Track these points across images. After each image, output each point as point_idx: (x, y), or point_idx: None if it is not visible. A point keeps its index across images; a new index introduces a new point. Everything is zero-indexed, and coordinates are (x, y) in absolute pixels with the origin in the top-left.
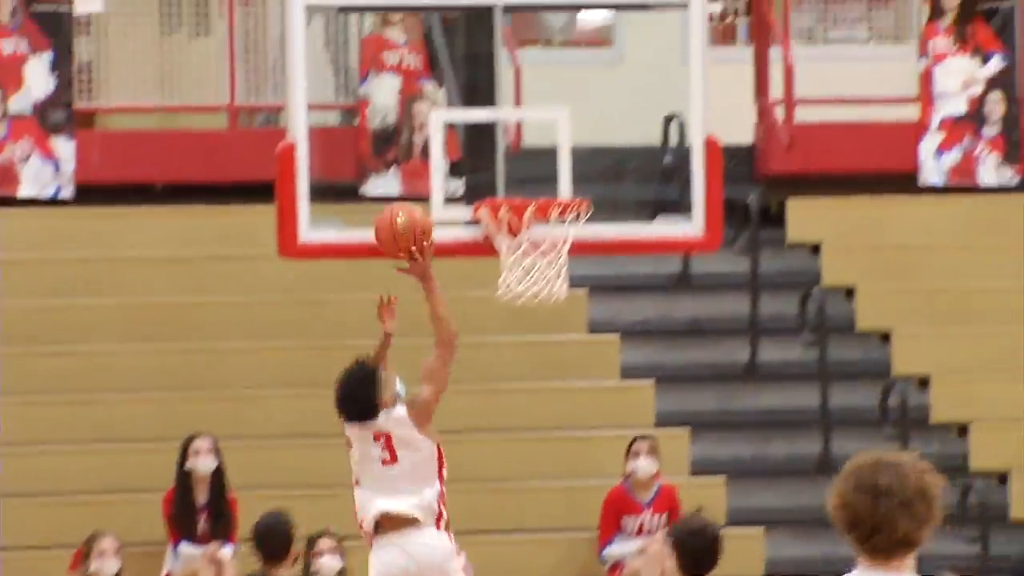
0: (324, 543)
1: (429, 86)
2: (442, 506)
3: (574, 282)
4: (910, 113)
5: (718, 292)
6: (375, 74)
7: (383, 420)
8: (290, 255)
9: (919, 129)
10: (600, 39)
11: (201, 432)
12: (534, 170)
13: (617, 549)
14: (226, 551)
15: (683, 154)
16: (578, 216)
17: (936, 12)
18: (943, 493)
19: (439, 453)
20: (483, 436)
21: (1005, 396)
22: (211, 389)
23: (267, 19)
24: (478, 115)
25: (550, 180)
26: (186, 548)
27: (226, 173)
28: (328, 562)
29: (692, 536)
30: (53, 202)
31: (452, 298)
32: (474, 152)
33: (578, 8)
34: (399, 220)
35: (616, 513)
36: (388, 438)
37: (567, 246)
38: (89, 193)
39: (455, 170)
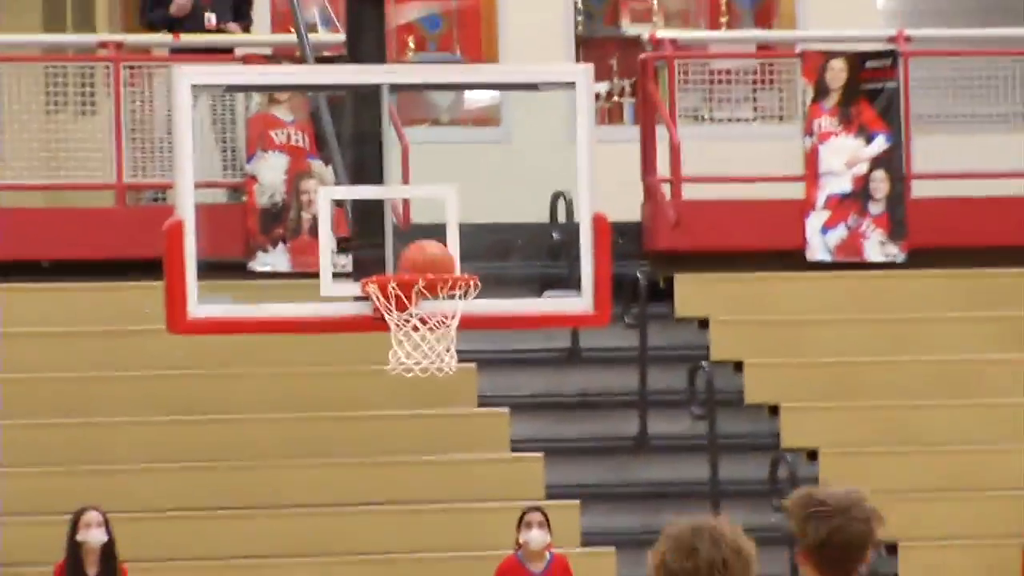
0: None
1: (316, 164)
2: None
3: (464, 356)
4: (796, 191)
5: (607, 366)
6: (262, 152)
7: None
8: (179, 330)
9: (805, 206)
10: (487, 118)
11: (91, 506)
12: None
13: None
14: None
15: (571, 231)
16: (467, 292)
17: (820, 92)
18: (756, 555)
19: None
20: (373, 509)
21: (892, 470)
22: (100, 463)
23: (153, 98)
24: (366, 192)
25: None
26: None
27: (114, 250)
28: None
29: None
30: None
31: (342, 373)
32: (362, 229)
33: (465, 88)
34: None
35: None
36: None
37: (456, 321)
38: None
39: (343, 247)
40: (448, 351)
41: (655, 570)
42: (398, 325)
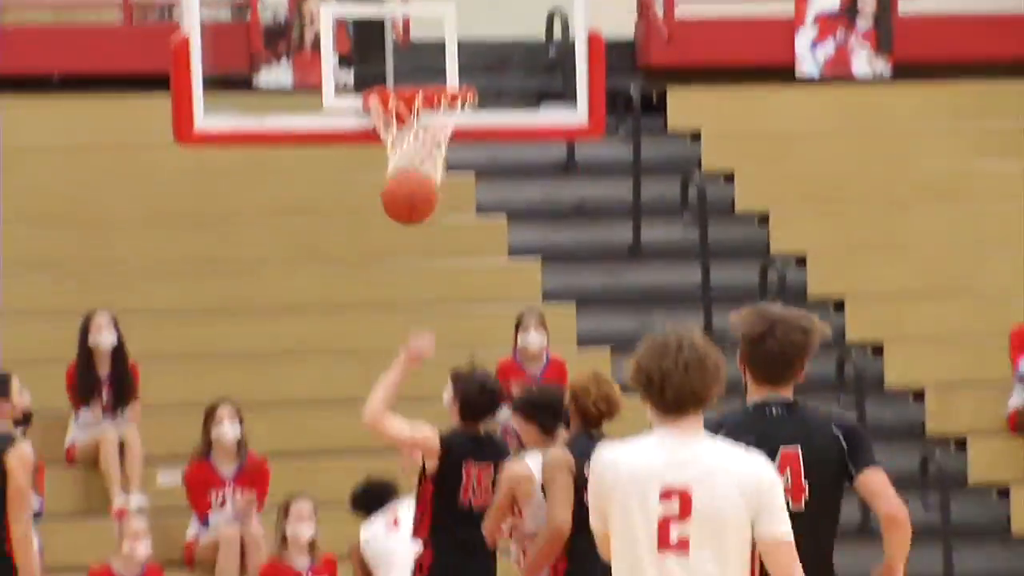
0: (223, 411)
1: None
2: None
3: (462, 166)
4: (786, 8)
5: (602, 176)
6: None
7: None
8: (186, 141)
9: (794, 23)
10: None
11: (100, 309)
12: (422, 62)
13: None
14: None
15: (567, 47)
16: (464, 105)
17: None
18: (723, 363)
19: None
20: (374, 311)
21: (878, 273)
22: (108, 269)
23: None
24: (367, 10)
25: (438, 72)
26: (87, 416)
27: (121, 65)
28: (229, 429)
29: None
30: None
31: (345, 182)
32: (363, 45)
33: None
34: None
35: (507, 382)
36: None
37: (449, 132)
38: None
39: (345, 62)
40: (441, 161)
41: (633, 371)
42: (397, 137)
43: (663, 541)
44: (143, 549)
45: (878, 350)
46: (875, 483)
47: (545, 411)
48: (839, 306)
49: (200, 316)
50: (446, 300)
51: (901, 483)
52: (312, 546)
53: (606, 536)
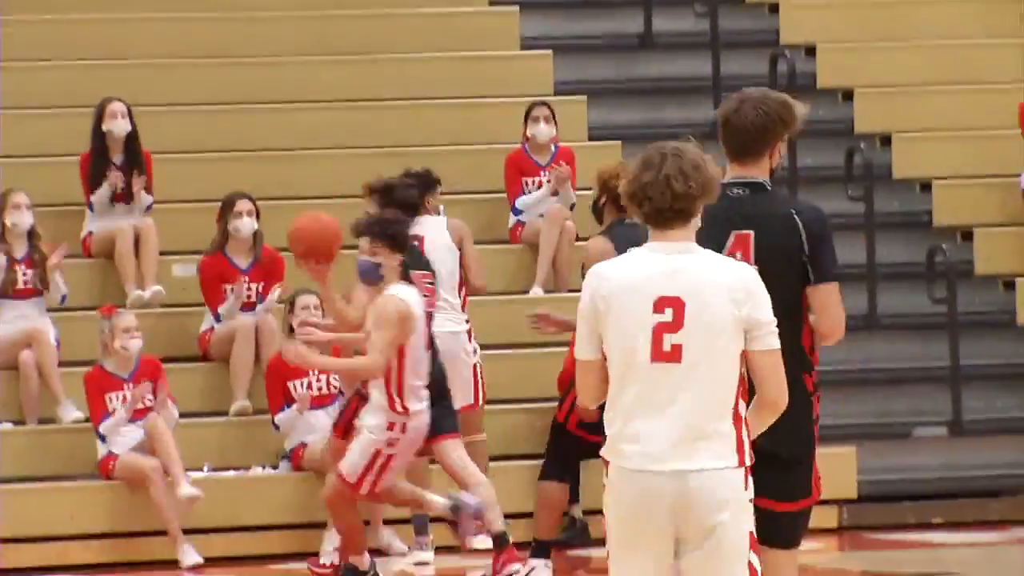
0: (242, 204)
1: None
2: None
3: None
4: None
5: None
6: None
7: None
8: None
9: None
10: None
11: (115, 97)
12: None
13: (527, 199)
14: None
15: None
16: None
17: None
18: (714, 174)
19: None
20: (391, 104)
21: (887, 64)
22: (123, 57)
23: None
24: None
25: None
26: (102, 201)
27: None
28: (246, 223)
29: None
30: None
31: None
32: None
33: None
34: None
35: (517, 173)
36: None
37: None
38: None
39: None
40: None
41: (627, 184)
42: None
43: (656, 350)
44: (135, 343)
45: (886, 140)
46: (826, 299)
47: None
48: (848, 96)
49: (215, 110)
50: (458, 92)
51: (908, 275)
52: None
53: (591, 364)
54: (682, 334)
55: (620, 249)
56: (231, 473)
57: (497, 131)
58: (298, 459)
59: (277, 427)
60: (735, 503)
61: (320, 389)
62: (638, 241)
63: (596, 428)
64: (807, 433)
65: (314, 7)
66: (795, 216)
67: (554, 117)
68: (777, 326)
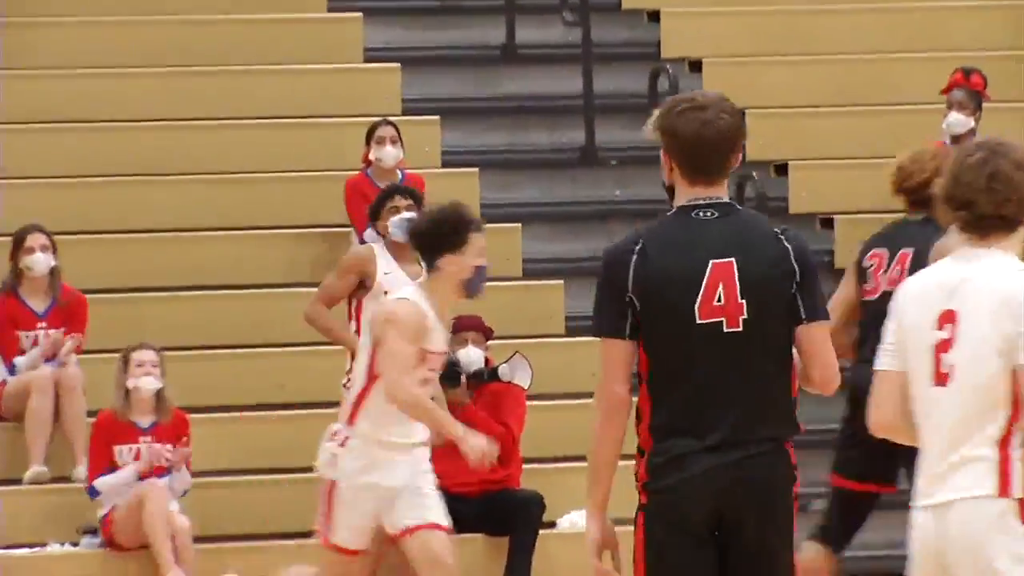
0: (34, 239)
1: None
2: None
3: None
4: None
5: None
6: None
7: None
8: None
9: None
10: None
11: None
12: None
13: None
14: None
15: None
16: None
17: None
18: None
19: None
20: (217, 124)
21: (781, 81)
22: None
23: None
24: None
25: None
26: None
27: None
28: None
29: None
30: None
31: None
32: None
33: None
34: None
35: (361, 199)
36: None
37: None
38: None
39: None
40: None
41: (941, 184)
42: None
43: (936, 373)
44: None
45: (782, 169)
46: (817, 341)
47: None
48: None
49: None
50: (292, 109)
51: None
52: (159, 400)
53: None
54: (955, 352)
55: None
56: (24, 551)
57: (338, 154)
58: (109, 529)
59: (95, 493)
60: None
61: (152, 462)
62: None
63: None
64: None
65: (120, 11)
66: (783, 240)
67: (401, 139)
68: (766, 378)
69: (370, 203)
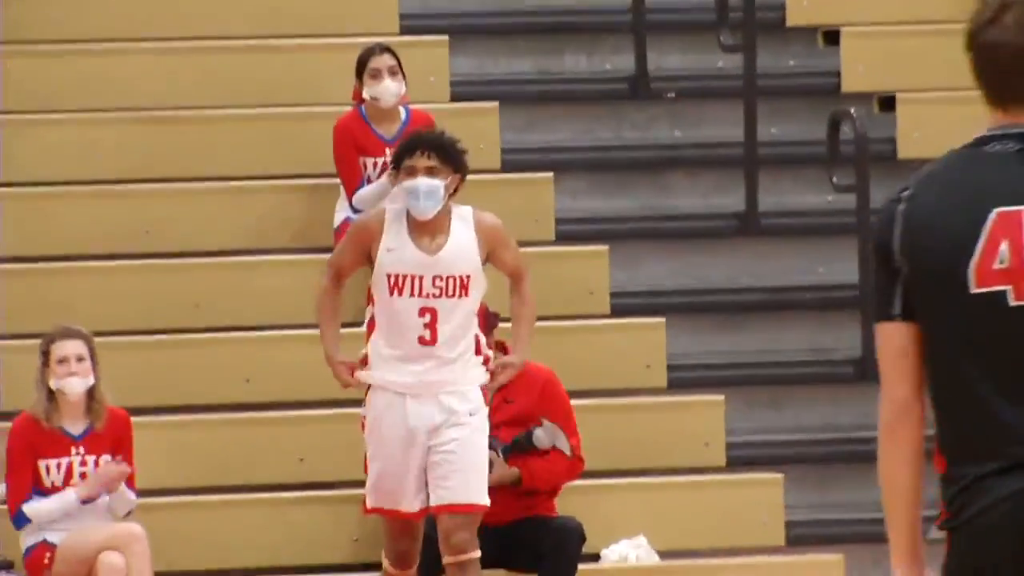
0: None
1: None
2: None
3: None
4: None
5: None
6: None
7: None
8: None
9: None
10: None
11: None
12: None
13: (368, 191)
14: None
15: None
16: None
17: None
18: None
19: None
20: (159, 46)
21: None
22: None
23: None
24: None
25: None
26: None
27: None
28: None
29: None
30: None
31: None
32: None
33: None
34: None
35: (353, 149)
36: None
37: None
38: None
39: None
40: None
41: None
42: None
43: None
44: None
45: (887, 103)
46: None
47: None
48: None
49: None
50: (257, 26)
51: None
52: (92, 399)
53: None
54: None
55: None
56: None
57: (321, 86)
58: (39, 567)
59: (23, 521)
60: None
61: (85, 475)
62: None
63: None
64: None
65: None
66: None
67: (402, 69)
68: None
69: (365, 152)
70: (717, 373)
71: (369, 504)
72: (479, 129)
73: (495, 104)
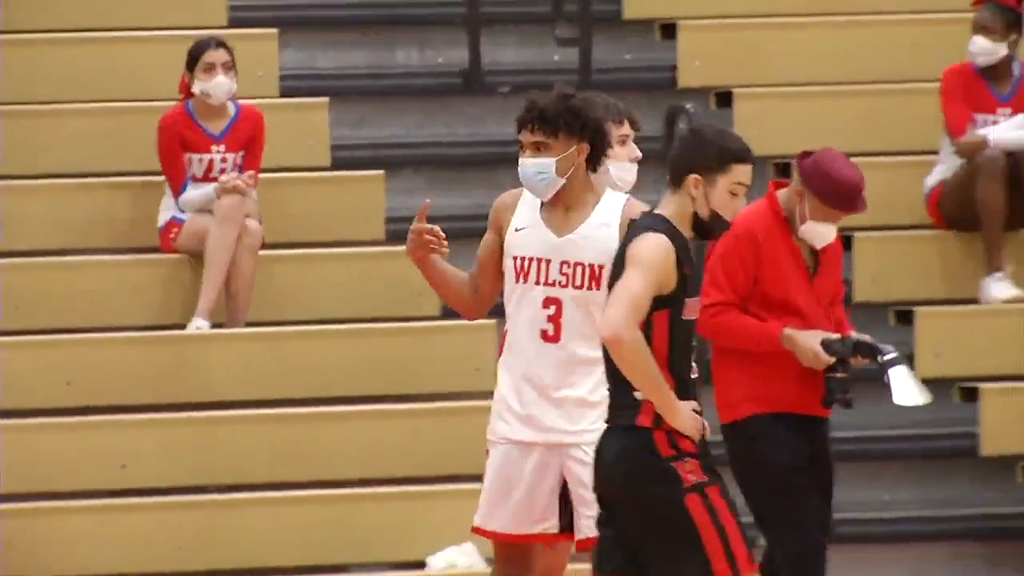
0: None
1: None
2: None
3: None
4: None
5: None
6: None
7: None
8: None
9: None
10: None
11: None
12: None
13: (195, 194)
14: None
15: None
16: None
17: None
18: None
19: None
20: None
21: None
22: None
23: None
24: None
25: None
26: None
27: None
28: None
29: None
30: None
31: None
32: None
33: None
34: None
35: (179, 147)
36: None
37: None
38: None
39: None
40: None
41: None
42: None
43: None
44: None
45: (724, 99)
46: None
47: None
48: None
49: None
50: (80, 19)
51: None
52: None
53: None
54: None
55: None
56: None
57: (144, 81)
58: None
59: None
60: None
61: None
62: None
63: None
64: None
65: None
66: None
67: (235, 64)
68: None
69: (190, 148)
70: None
71: None
72: (309, 125)
73: (325, 100)
